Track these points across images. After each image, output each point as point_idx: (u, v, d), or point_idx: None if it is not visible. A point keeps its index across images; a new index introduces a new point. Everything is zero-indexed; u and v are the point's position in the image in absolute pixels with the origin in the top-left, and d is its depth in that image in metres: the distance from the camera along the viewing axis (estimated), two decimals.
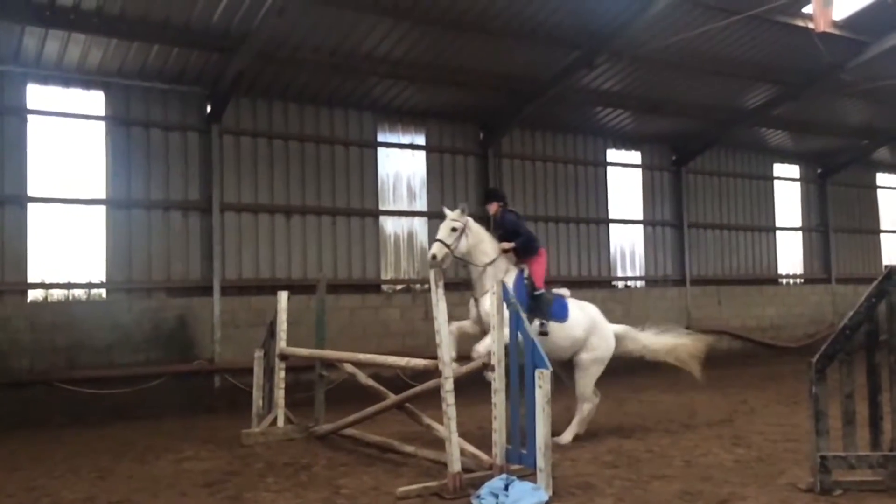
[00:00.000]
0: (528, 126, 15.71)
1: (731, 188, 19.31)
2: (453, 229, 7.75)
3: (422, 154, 14.81)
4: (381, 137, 14.34)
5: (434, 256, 7.64)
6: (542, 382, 5.69)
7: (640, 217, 17.74)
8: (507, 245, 8.05)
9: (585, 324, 8.13)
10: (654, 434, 8.16)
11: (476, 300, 7.86)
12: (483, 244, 7.91)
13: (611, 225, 17.21)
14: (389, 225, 14.34)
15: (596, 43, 13.05)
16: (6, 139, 10.96)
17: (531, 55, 13.29)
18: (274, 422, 8.35)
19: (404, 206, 14.55)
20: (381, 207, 14.22)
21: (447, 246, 7.67)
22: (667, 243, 18.07)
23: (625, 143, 17.54)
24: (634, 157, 17.83)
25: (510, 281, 7.63)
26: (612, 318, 16.38)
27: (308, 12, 10.88)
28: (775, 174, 20.35)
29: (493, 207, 8.49)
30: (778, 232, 20.23)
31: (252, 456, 7.49)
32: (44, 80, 11.28)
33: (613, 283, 17.28)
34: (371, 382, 8.15)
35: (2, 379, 10.43)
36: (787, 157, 20.48)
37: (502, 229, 8.28)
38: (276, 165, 13.05)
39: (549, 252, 15.95)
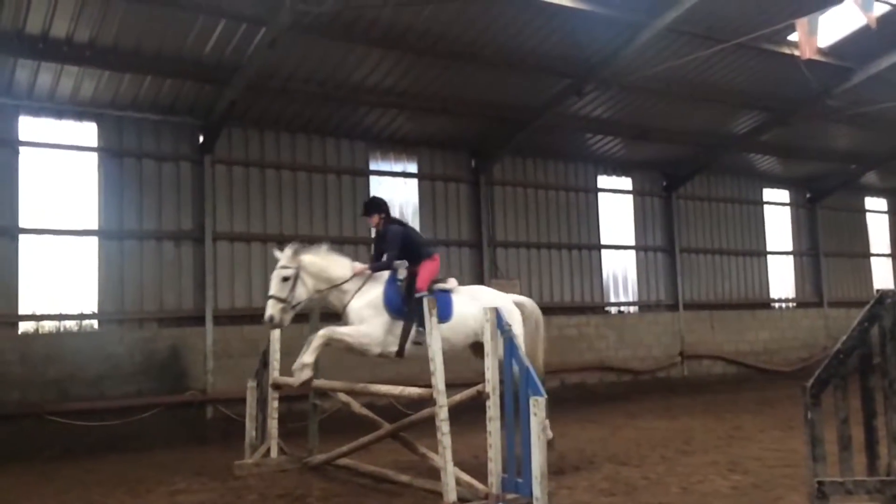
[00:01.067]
0: (519, 153, 15.82)
1: (721, 213, 19.43)
2: (284, 279, 7.03)
3: (414, 182, 14.88)
4: (373, 166, 14.42)
5: (271, 319, 6.94)
6: (537, 410, 5.66)
7: (632, 242, 17.81)
8: (359, 267, 7.47)
9: (478, 316, 7.18)
10: (650, 461, 8.11)
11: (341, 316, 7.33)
12: (326, 273, 7.29)
13: (603, 251, 17.27)
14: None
15: (585, 71, 13.21)
16: None
17: (521, 84, 13.43)
18: (267, 452, 8.26)
19: None
20: (374, 236, 14.21)
21: (282, 300, 6.97)
22: (659, 268, 18.12)
23: (615, 169, 17.67)
24: (625, 183, 17.95)
25: (379, 286, 7.26)
26: (605, 344, 16.61)
27: (299, 43, 10.99)
28: (765, 199, 20.50)
29: (373, 220, 7.94)
30: (769, 256, 20.32)
31: (245, 488, 7.39)
32: (36, 111, 11.32)
33: (606, 308, 17.29)
34: (365, 412, 8.10)
35: None
36: (776, 182, 20.65)
37: (384, 243, 7.75)
38: (268, 194, 13.08)
39: (542, 278, 16.13)
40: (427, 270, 7.56)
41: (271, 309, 6.96)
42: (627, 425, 10.91)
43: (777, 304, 20.42)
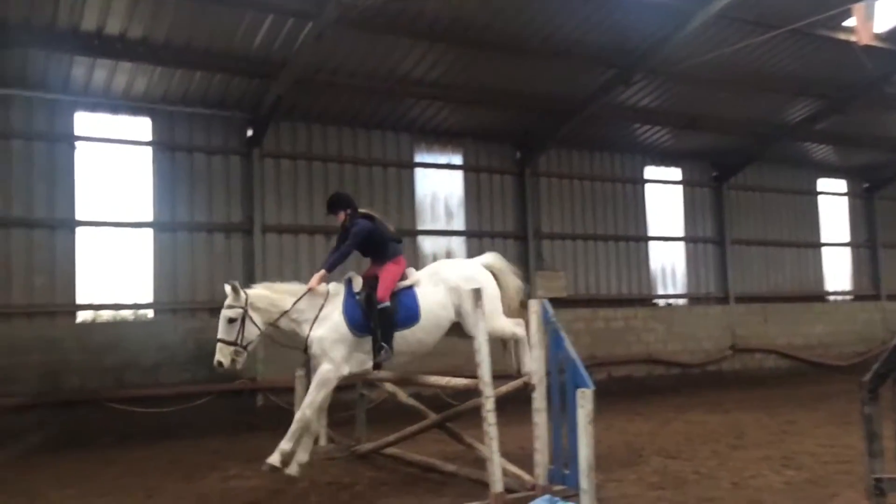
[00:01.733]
0: (565, 144, 15.69)
1: (774, 204, 18.99)
2: (230, 320, 6.57)
3: (459, 174, 14.88)
4: (418, 158, 14.47)
5: (220, 363, 6.53)
6: (584, 402, 5.63)
7: (680, 234, 17.54)
8: (314, 279, 6.90)
9: (448, 301, 7.05)
10: (700, 455, 7.98)
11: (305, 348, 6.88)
12: (277, 303, 6.77)
13: (651, 242, 17.05)
14: (427, 245, 14.40)
15: (632, 60, 13.03)
16: (56, 165, 11.32)
17: (567, 74, 13.31)
18: (316, 441, 8.37)
19: (442, 226, 14.60)
20: (419, 227, 14.30)
21: (231, 343, 6.55)
22: (709, 260, 17.81)
23: (664, 159, 17.40)
24: (674, 173, 17.67)
25: (337, 308, 6.75)
26: (653, 337, 16.40)
27: (345, 37, 11.07)
28: (820, 189, 19.98)
29: (340, 217, 7.32)
30: (824, 248, 19.81)
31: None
32: (92, 107, 11.64)
33: (654, 300, 17.06)
34: (412, 401, 8.15)
35: (53, 398, 10.73)
36: (832, 172, 20.09)
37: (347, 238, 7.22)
38: (315, 187, 13.23)
39: (588, 270, 15.99)
40: (388, 276, 6.99)
41: (219, 354, 6.55)
42: (676, 419, 10.75)
43: (833, 297, 19.89)
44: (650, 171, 17.28)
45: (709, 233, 17.89)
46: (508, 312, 7.45)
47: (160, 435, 10.27)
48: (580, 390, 5.68)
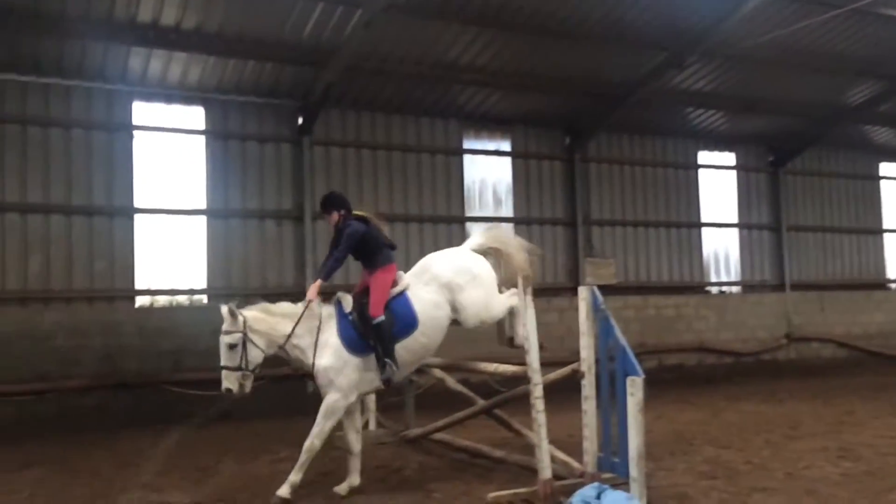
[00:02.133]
0: (615, 129, 15.46)
1: (833, 189, 18.44)
2: (231, 346, 6.47)
3: (507, 160, 14.81)
4: (466, 144, 14.44)
5: (228, 391, 6.39)
6: (634, 390, 5.58)
7: (735, 220, 17.16)
8: (312, 291, 6.67)
9: (441, 299, 6.69)
10: (753, 445, 7.84)
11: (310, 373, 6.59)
12: (277, 328, 6.64)
13: (704, 229, 16.72)
14: (476, 232, 14.36)
15: (686, 43, 12.73)
16: (115, 154, 11.63)
17: (618, 58, 13.10)
18: (366, 425, 8.49)
19: (490, 213, 14.56)
20: (468, 214, 14.30)
21: (235, 369, 6.43)
22: (764, 247, 17.40)
23: (717, 144, 17.03)
24: (728, 158, 17.28)
25: (333, 331, 6.48)
26: (705, 325, 16.11)
27: (394, 24, 11.09)
28: (882, 174, 19.30)
29: (332, 218, 6.91)
30: (886, 234, 19.15)
31: (345, 458, 7.61)
32: (148, 97, 11.91)
33: (707, 288, 16.76)
34: (460, 388, 8.18)
35: (112, 380, 11.09)
36: (894, 156, 19.36)
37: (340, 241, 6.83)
38: (364, 174, 13.32)
39: (639, 257, 15.77)
40: (379, 288, 6.60)
41: (227, 381, 6.42)
42: (729, 408, 10.57)
43: (894, 285, 19.23)
44: (703, 156, 16.92)
45: (764, 219, 17.46)
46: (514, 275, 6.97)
47: (214, 417, 10.51)
48: (630, 378, 5.63)
